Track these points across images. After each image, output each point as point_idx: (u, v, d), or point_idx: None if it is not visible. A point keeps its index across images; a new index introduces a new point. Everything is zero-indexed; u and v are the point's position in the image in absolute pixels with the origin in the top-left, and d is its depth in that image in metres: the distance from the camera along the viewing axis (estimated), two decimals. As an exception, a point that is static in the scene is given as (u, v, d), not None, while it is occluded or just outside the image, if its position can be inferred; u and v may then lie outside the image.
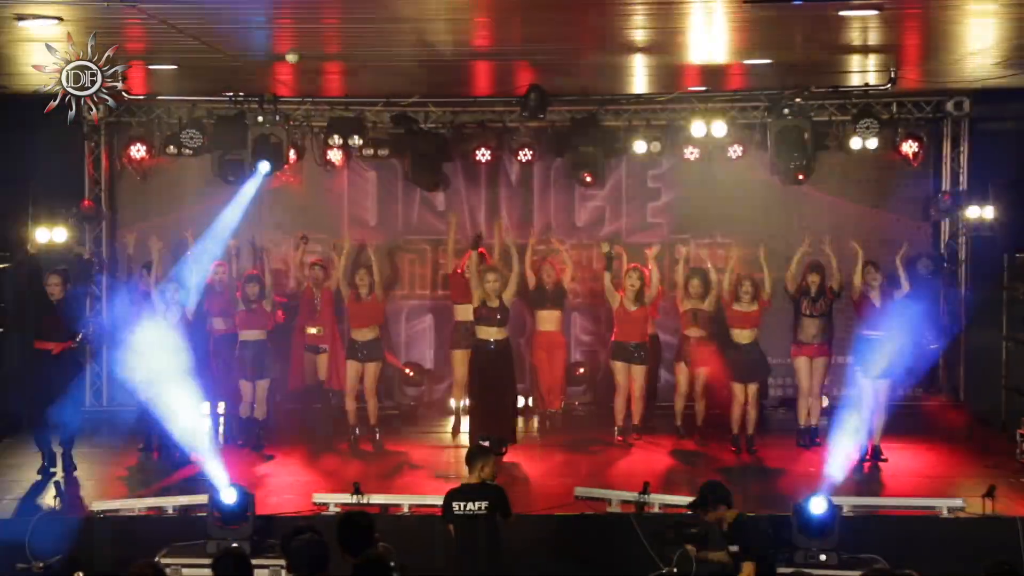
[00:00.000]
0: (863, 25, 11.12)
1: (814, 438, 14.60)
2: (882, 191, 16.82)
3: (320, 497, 12.01)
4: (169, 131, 16.02)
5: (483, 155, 16.25)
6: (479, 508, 10.10)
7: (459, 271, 15.22)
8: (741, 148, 16.02)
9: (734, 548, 10.05)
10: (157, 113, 16.18)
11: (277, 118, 15.36)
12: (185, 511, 11.85)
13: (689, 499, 11.97)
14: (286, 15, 11.02)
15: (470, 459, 10.45)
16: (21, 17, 10.03)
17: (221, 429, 15.28)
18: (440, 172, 16.45)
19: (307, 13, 10.74)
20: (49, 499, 12.42)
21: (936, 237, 16.98)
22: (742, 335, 14.44)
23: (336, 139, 15.88)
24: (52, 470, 13.29)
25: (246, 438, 14.56)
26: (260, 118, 15.24)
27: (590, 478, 13.16)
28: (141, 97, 15.73)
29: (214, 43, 11.92)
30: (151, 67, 13.51)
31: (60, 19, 9.92)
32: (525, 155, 16.22)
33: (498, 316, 13.97)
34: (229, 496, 11.01)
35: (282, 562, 9.08)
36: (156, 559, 10.40)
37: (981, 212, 16.30)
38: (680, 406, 15.09)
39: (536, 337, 15.67)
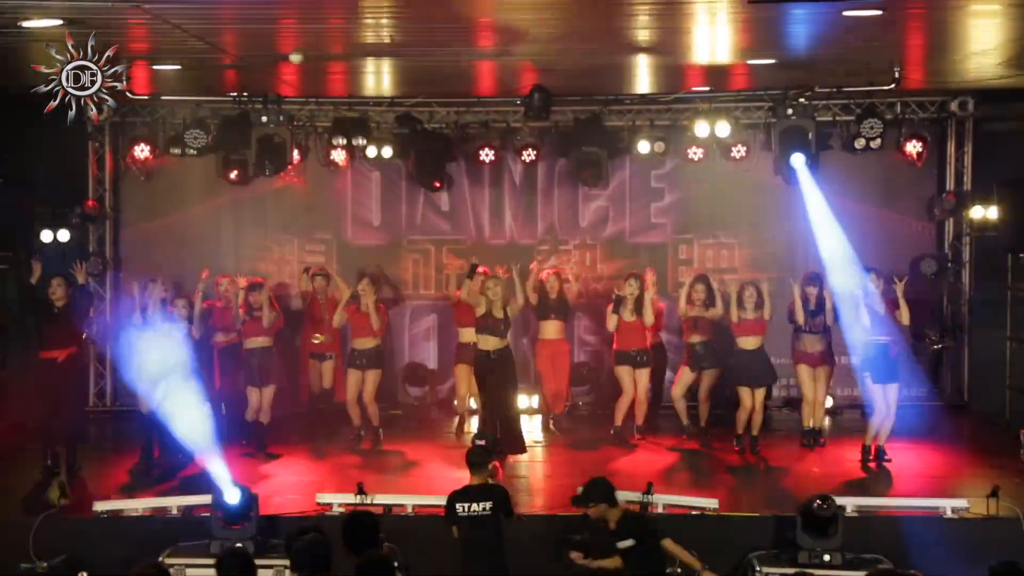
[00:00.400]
0: (867, 25, 11.11)
1: (818, 439, 14.59)
2: (886, 191, 16.82)
3: (324, 497, 12.00)
4: (173, 131, 16.04)
5: (487, 155, 16.25)
6: (483, 509, 10.11)
7: (458, 294, 15.12)
8: (745, 148, 16.03)
9: (627, 544, 10.01)
10: (161, 113, 16.21)
11: (281, 118, 15.39)
12: (189, 511, 11.85)
13: (693, 499, 12.05)
14: (290, 15, 11.03)
15: (472, 461, 10.45)
16: (26, 17, 10.05)
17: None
18: (444, 172, 16.47)
19: (311, 13, 10.75)
20: (53, 500, 12.40)
21: (940, 237, 16.98)
22: (747, 341, 14.39)
23: (340, 139, 15.89)
24: (56, 470, 13.28)
25: (250, 441, 14.56)
26: (264, 118, 15.26)
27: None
28: (145, 97, 15.75)
29: (218, 43, 11.93)
30: (155, 67, 13.52)
31: (65, 20, 9.93)
32: (529, 155, 16.23)
33: (501, 327, 13.94)
34: (233, 496, 11.01)
35: (286, 562, 9.11)
36: (160, 559, 10.41)
37: (985, 212, 16.29)
38: (682, 406, 15.06)
39: (540, 346, 15.61)
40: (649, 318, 14.79)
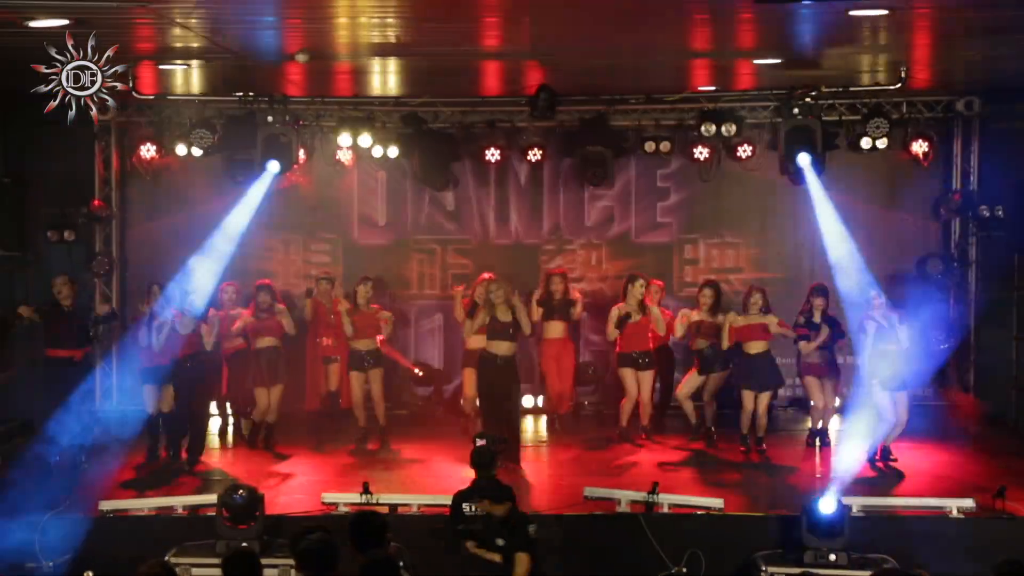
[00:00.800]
0: (873, 25, 11.11)
1: (824, 439, 14.58)
2: (892, 191, 16.80)
3: (329, 497, 12.01)
4: (179, 131, 16.02)
5: (492, 155, 16.24)
6: (490, 508, 10.11)
7: (465, 302, 15.14)
8: (751, 148, 16.01)
9: (500, 542, 10.02)
10: (167, 113, 16.19)
11: (287, 118, 15.40)
12: (194, 511, 11.87)
13: (698, 499, 12.05)
14: (296, 15, 11.03)
15: (476, 461, 10.44)
16: (31, 17, 10.05)
17: (231, 430, 15.36)
18: (449, 172, 16.47)
19: (317, 13, 10.76)
20: (59, 498, 12.42)
21: (946, 237, 16.95)
22: (753, 346, 14.37)
23: (346, 139, 15.89)
24: (58, 469, 13.31)
25: (256, 440, 14.58)
26: (270, 118, 15.27)
27: (599, 478, 13.14)
28: (151, 97, 15.75)
29: (224, 43, 11.93)
30: (161, 67, 13.53)
31: (72, 20, 9.93)
32: (534, 155, 16.22)
33: (510, 331, 13.85)
34: (239, 496, 11.01)
35: (291, 562, 9.09)
36: (165, 559, 10.41)
37: (991, 212, 16.25)
38: (689, 407, 15.05)
39: (544, 346, 15.60)
40: (661, 328, 14.83)
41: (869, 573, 9.70)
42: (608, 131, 16.10)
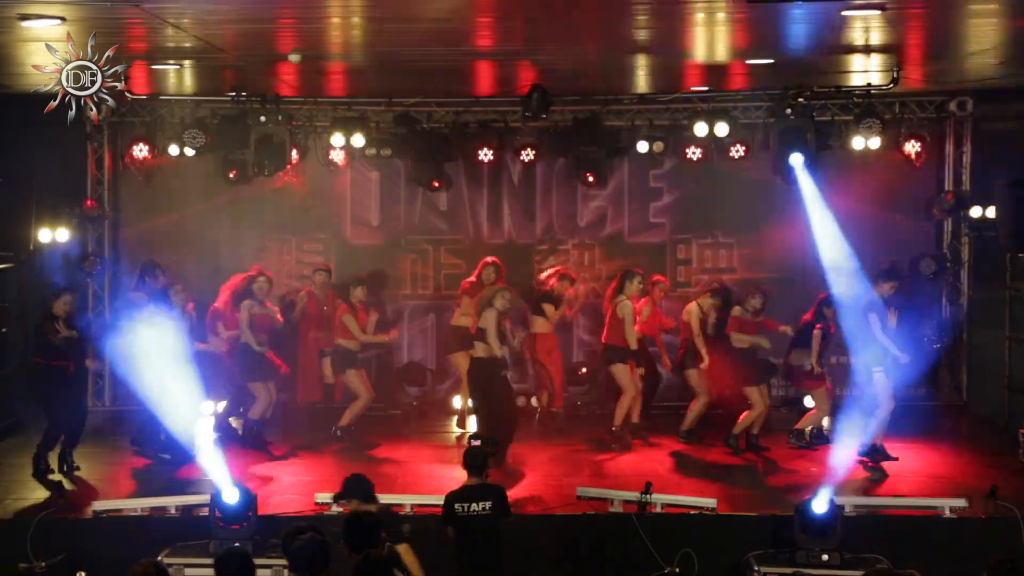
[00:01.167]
0: (865, 25, 11.12)
1: (821, 439, 14.60)
2: (885, 191, 16.81)
3: (322, 497, 12.00)
4: (172, 131, 16.02)
5: (485, 155, 16.25)
6: (483, 509, 10.11)
7: (465, 284, 15.25)
8: (744, 148, 16.02)
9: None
10: (160, 113, 16.19)
11: (280, 118, 15.39)
12: (187, 511, 11.86)
13: (691, 499, 12.07)
14: (289, 15, 11.03)
15: (468, 462, 10.44)
16: (24, 17, 10.05)
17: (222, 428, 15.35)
18: (442, 172, 16.46)
19: (310, 13, 10.75)
20: (51, 499, 12.42)
21: (939, 237, 16.98)
22: (741, 339, 14.41)
23: (339, 139, 15.88)
24: (52, 468, 13.31)
25: (250, 439, 14.58)
26: (263, 118, 15.27)
27: (592, 478, 13.16)
28: (144, 97, 15.74)
29: (217, 43, 11.93)
30: (154, 67, 13.52)
31: (63, 19, 9.93)
32: (527, 155, 16.23)
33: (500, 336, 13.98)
34: (231, 496, 11.01)
35: (284, 562, 9.09)
36: (158, 559, 10.40)
37: (984, 212, 16.28)
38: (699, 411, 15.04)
39: (537, 339, 15.61)
40: (645, 315, 14.85)
41: (861, 573, 9.69)
42: (601, 131, 16.11)
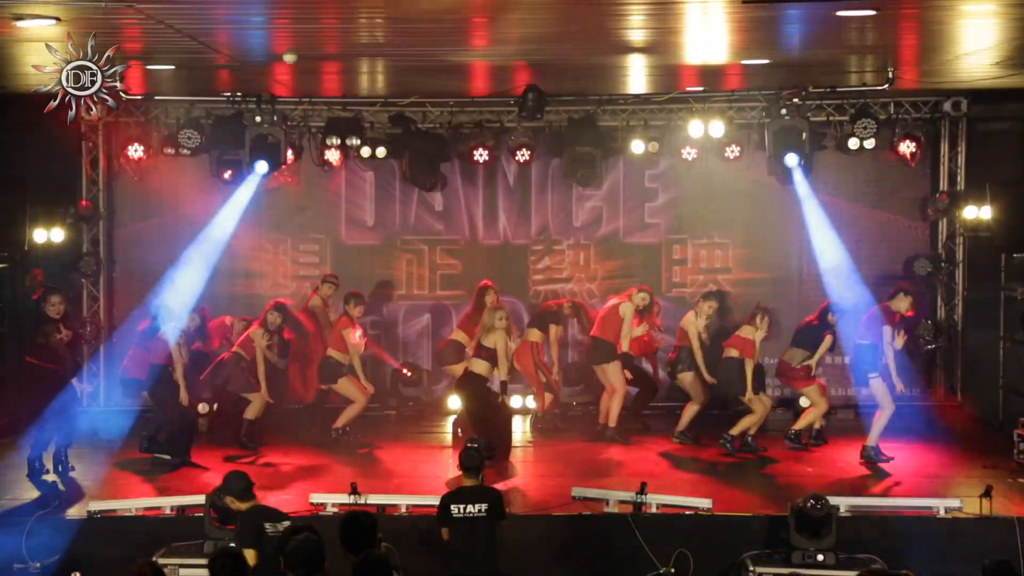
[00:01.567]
0: (860, 25, 11.12)
1: (818, 438, 14.63)
2: (880, 191, 16.84)
3: (317, 497, 12.01)
4: (167, 131, 16.01)
5: (481, 155, 16.24)
6: (479, 511, 10.10)
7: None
8: (739, 148, 16.03)
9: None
10: (155, 113, 16.17)
11: (275, 118, 15.38)
12: (182, 511, 11.85)
13: (686, 499, 12.07)
14: (284, 15, 11.02)
15: (465, 464, 10.44)
16: (19, 17, 10.04)
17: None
18: (438, 172, 16.46)
19: (305, 13, 10.74)
20: (47, 499, 12.41)
21: (934, 237, 16.99)
22: (731, 351, 14.46)
23: (334, 139, 15.88)
24: (46, 469, 13.31)
25: (244, 440, 14.59)
26: (258, 118, 15.25)
27: (587, 478, 13.15)
28: (139, 97, 15.71)
29: (212, 43, 11.92)
30: (149, 67, 13.50)
31: (58, 19, 9.92)
32: (523, 155, 16.22)
33: (494, 355, 14.03)
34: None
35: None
36: (153, 559, 10.39)
37: (978, 212, 16.29)
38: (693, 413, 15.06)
39: (532, 346, 15.61)
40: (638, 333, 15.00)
41: (856, 573, 9.70)
42: (596, 131, 16.11)
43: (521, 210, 17.20)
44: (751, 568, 11.05)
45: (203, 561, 9.47)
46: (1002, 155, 16.26)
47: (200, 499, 11.38)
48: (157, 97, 15.89)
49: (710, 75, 14.73)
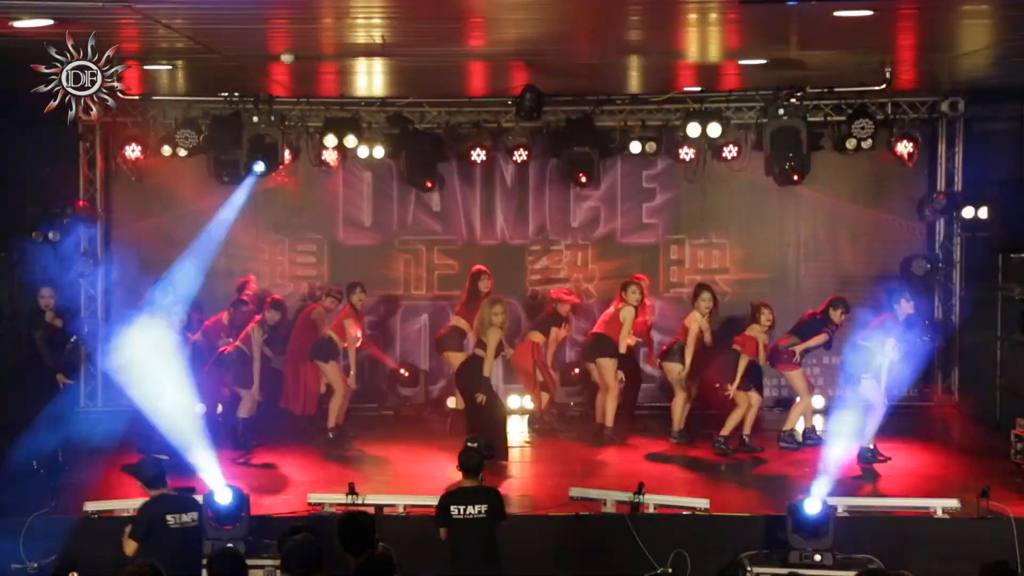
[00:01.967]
0: (858, 26, 11.12)
1: (812, 437, 14.64)
2: (877, 191, 16.85)
3: (315, 497, 12.01)
4: (164, 131, 15.99)
5: (478, 155, 16.22)
6: (479, 512, 10.07)
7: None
8: (736, 148, 16.02)
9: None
10: (152, 113, 16.15)
11: (272, 118, 15.38)
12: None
13: (684, 499, 12.07)
14: (282, 15, 11.02)
15: (464, 464, 10.42)
16: (16, 18, 10.03)
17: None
18: (435, 172, 16.45)
19: (302, 13, 10.74)
20: (43, 500, 12.40)
21: (931, 238, 17.00)
22: (736, 346, 14.46)
23: (331, 139, 15.86)
24: (41, 471, 13.30)
25: (242, 439, 14.59)
26: (255, 118, 15.25)
27: (585, 478, 13.16)
28: (136, 97, 15.70)
29: (209, 43, 11.91)
30: (146, 67, 13.50)
31: (56, 21, 9.91)
32: (520, 155, 16.21)
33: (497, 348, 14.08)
34: (224, 497, 11.00)
35: (277, 562, 9.09)
36: (151, 559, 10.37)
37: (975, 212, 16.29)
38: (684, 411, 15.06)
39: (533, 348, 15.60)
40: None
41: (854, 573, 9.71)
42: (594, 132, 16.10)
43: (519, 210, 17.20)
44: (749, 568, 11.05)
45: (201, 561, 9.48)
46: (999, 155, 16.25)
47: (198, 499, 11.36)
48: (155, 97, 15.87)
49: (708, 75, 14.73)
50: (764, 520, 11.68)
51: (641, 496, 11.82)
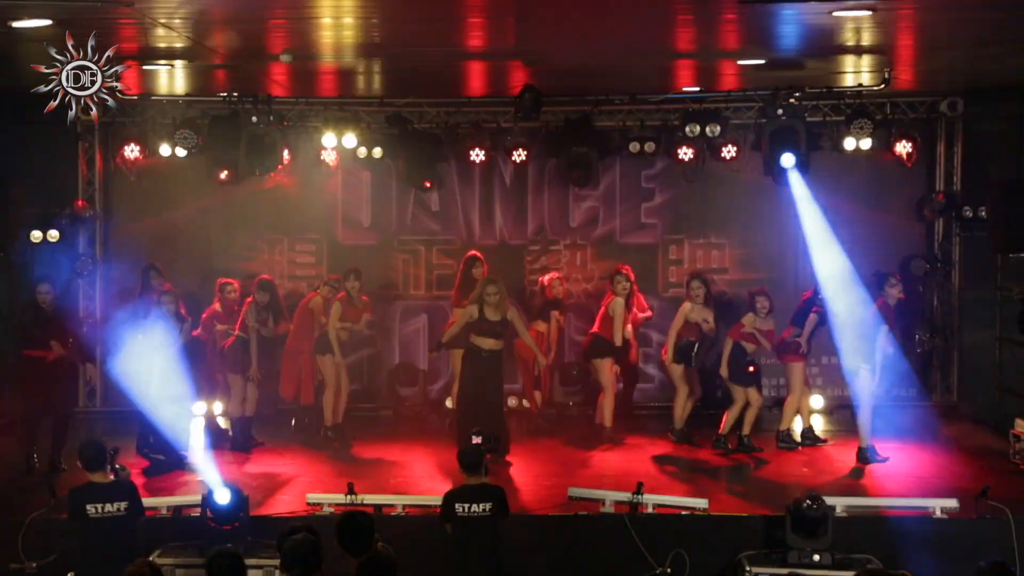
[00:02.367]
0: (856, 26, 11.13)
1: (811, 437, 14.64)
2: (876, 192, 16.83)
3: (314, 497, 12.01)
4: (163, 131, 15.99)
5: (477, 155, 16.22)
6: (483, 510, 10.09)
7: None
8: (735, 149, 16.01)
9: None
10: (151, 113, 16.15)
11: (271, 118, 15.36)
12: (179, 512, 11.84)
13: (683, 499, 12.07)
14: (280, 15, 11.01)
15: (465, 461, 10.42)
16: (15, 18, 10.03)
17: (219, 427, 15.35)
18: (434, 172, 16.45)
19: (301, 13, 10.74)
20: (42, 499, 12.38)
21: (930, 238, 17.00)
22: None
23: (330, 139, 15.87)
24: (40, 468, 13.30)
25: (240, 438, 14.58)
26: (254, 118, 15.22)
27: (583, 478, 13.16)
28: (135, 97, 15.70)
29: (208, 43, 11.91)
30: (145, 67, 13.50)
31: (54, 21, 9.91)
32: (519, 155, 16.21)
33: (497, 329, 13.93)
34: (223, 497, 10.99)
35: (276, 562, 9.09)
36: (150, 559, 10.38)
37: (974, 212, 16.28)
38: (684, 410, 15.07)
39: (539, 341, 15.62)
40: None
41: (853, 573, 9.71)
42: (593, 132, 16.10)
43: (518, 210, 17.21)
44: (748, 568, 11.04)
45: (199, 562, 9.51)
46: (998, 155, 16.27)
47: (197, 499, 11.39)
48: (153, 97, 15.87)
49: (706, 75, 14.73)
50: (763, 520, 11.68)
51: (640, 496, 11.82)
